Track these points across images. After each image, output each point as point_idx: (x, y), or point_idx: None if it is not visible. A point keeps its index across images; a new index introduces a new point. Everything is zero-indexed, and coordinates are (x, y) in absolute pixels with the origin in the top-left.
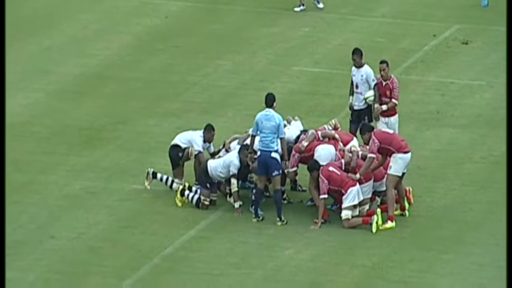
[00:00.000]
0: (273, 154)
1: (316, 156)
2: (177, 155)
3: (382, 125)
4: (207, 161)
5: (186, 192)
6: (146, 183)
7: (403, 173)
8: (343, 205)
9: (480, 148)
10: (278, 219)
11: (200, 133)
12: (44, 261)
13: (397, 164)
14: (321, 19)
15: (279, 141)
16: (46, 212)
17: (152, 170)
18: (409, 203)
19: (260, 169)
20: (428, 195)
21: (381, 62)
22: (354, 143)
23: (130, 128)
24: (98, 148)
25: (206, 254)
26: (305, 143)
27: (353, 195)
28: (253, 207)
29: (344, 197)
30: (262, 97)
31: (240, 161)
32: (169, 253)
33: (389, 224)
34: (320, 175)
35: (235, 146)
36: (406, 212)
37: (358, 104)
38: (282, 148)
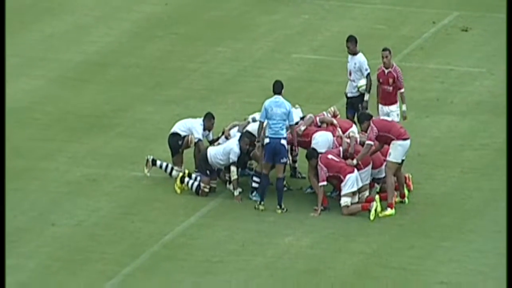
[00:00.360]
0: (283, 141)
1: (313, 144)
2: (177, 143)
3: (383, 115)
4: (206, 148)
5: (186, 179)
6: (146, 170)
7: (403, 160)
8: (342, 192)
9: (481, 135)
10: (278, 206)
11: (200, 121)
12: (45, 248)
13: (396, 151)
14: (320, 6)
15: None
16: (47, 199)
17: (151, 157)
18: (409, 190)
19: (267, 156)
20: (428, 182)
21: (384, 50)
22: (353, 130)
23: (130, 115)
24: (98, 135)
25: (206, 241)
26: (302, 127)
27: (351, 182)
28: (253, 194)
29: (342, 184)
30: (262, 84)
31: (240, 148)
32: (168, 240)
33: (389, 211)
34: (319, 162)
35: (235, 133)
36: (406, 199)
37: (351, 91)
38: (291, 135)
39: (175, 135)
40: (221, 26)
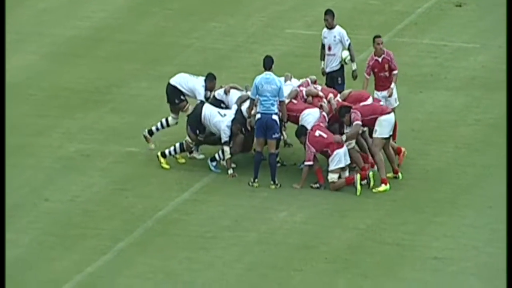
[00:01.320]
0: (274, 117)
1: (301, 122)
2: (174, 99)
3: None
4: (202, 106)
5: (166, 151)
6: (150, 145)
7: (390, 136)
8: (329, 168)
9: (474, 111)
10: (272, 182)
11: (201, 81)
12: (39, 223)
13: (382, 126)
14: None
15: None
16: (41, 174)
17: (146, 130)
18: (398, 164)
19: (259, 132)
20: (422, 158)
21: (377, 37)
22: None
23: (124, 90)
24: (92, 110)
25: (200, 216)
26: (286, 100)
27: (339, 158)
28: (213, 163)
29: (330, 159)
30: (256, 59)
31: (231, 130)
32: (162, 215)
33: (383, 187)
34: (307, 142)
35: (231, 99)
36: (400, 174)
37: (331, 66)
38: (281, 111)
39: (176, 89)
40: (215, 2)
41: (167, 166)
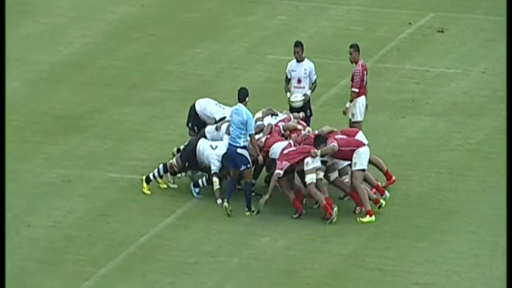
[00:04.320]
0: (239, 150)
1: (271, 157)
2: (188, 124)
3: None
4: (197, 141)
5: (150, 175)
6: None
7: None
8: (305, 169)
9: (456, 136)
10: (246, 209)
11: (223, 114)
12: (21, 249)
13: (361, 159)
14: (296, 7)
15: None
16: (22, 200)
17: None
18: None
19: (228, 162)
20: (404, 183)
21: (350, 46)
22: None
23: (106, 116)
24: (74, 136)
25: (182, 242)
26: (263, 139)
27: (312, 160)
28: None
29: (305, 161)
30: (238, 85)
31: (222, 163)
32: (144, 241)
33: (367, 218)
34: (277, 162)
35: (223, 131)
36: (382, 201)
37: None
38: (252, 144)
39: (196, 115)
40: (197, 28)
41: (148, 192)
